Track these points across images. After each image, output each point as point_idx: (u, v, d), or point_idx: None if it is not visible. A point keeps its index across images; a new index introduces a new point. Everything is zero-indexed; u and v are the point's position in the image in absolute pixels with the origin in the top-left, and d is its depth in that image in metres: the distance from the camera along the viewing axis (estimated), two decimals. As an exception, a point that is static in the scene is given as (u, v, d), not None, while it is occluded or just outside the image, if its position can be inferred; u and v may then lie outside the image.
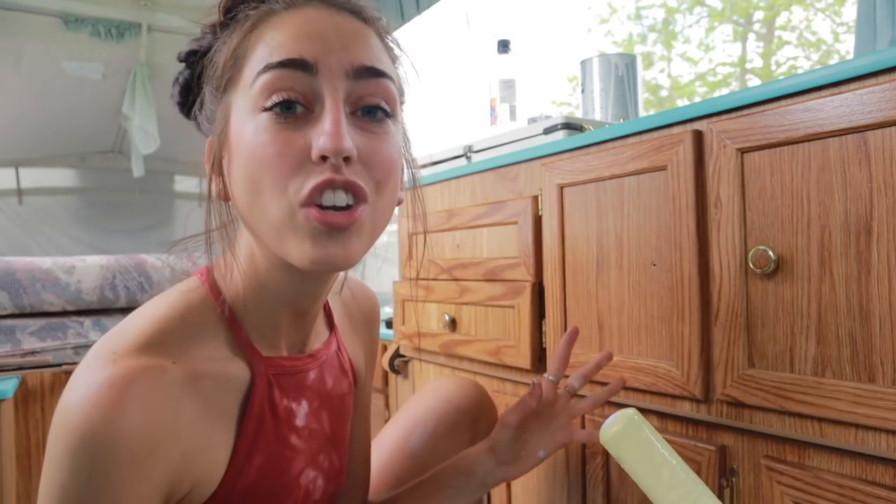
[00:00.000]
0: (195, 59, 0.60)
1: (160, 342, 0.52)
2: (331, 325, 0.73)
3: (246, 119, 0.52)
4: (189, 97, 0.61)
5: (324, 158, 0.50)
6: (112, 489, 0.47)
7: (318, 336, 0.70)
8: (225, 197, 0.57)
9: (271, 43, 0.52)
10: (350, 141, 0.50)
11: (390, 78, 0.55)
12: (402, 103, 0.60)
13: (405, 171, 0.63)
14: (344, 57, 0.52)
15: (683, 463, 0.59)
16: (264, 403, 0.59)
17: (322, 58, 0.51)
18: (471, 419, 0.88)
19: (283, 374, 0.62)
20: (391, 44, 0.60)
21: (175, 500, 0.52)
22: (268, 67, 0.51)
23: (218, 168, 0.57)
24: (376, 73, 0.54)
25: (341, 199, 0.51)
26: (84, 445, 0.46)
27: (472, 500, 0.77)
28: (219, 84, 0.56)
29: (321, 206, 0.50)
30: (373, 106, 0.54)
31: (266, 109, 0.51)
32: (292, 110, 0.51)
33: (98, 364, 0.49)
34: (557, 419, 0.79)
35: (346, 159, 0.51)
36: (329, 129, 0.49)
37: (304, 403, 0.65)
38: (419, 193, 0.67)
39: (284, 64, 0.51)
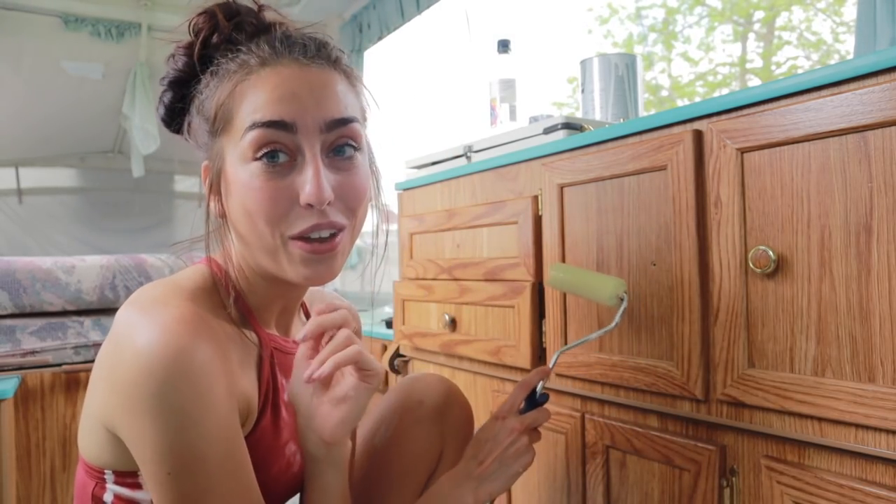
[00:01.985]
0: (177, 86, 0.69)
1: (196, 301, 0.60)
2: None
3: (239, 165, 0.62)
4: (174, 117, 0.71)
5: (309, 205, 0.61)
6: (216, 403, 0.55)
7: (298, 328, 0.78)
8: (222, 214, 0.66)
9: (255, 102, 0.61)
10: (329, 190, 0.61)
11: (356, 120, 0.65)
12: (365, 122, 0.71)
13: (374, 183, 0.73)
14: (318, 114, 0.62)
15: (592, 271, 0.86)
16: (269, 373, 0.68)
17: (299, 118, 0.61)
18: (436, 414, 0.87)
19: (279, 350, 0.70)
20: (353, 76, 0.69)
21: None
22: (254, 125, 0.60)
23: (216, 189, 0.66)
24: (345, 122, 0.64)
25: (325, 233, 0.63)
26: (178, 365, 0.53)
27: None
28: (212, 129, 0.65)
29: (309, 239, 0.62)
30: (343, 146, 0.64)
31: (256, 159, 0.61)
32: (277, 160, 0.61)
33: (155, 309, 0.56)
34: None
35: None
36: (312, 182, 0.60)
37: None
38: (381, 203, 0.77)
39: (267, 125, 0.60)
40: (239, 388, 0.61)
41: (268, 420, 0.67)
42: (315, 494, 0.67)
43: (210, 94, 0.65)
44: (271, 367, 0.69)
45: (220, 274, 0.68)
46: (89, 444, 0.63)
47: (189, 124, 0.69)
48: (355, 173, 0.65)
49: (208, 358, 0.55)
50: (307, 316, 0.81)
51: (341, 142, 0.64)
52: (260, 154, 0.61)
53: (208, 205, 0.67)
